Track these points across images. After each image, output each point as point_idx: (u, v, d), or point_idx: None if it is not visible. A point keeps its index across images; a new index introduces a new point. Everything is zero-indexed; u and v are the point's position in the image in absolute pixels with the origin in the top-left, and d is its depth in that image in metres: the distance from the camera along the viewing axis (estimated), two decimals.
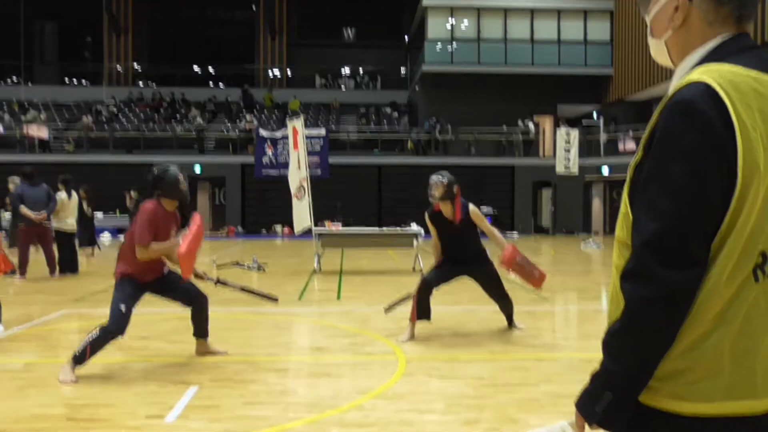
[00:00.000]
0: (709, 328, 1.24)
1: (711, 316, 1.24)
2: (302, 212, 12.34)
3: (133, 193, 17.93)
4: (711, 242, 1.23)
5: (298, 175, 12.48)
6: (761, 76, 1.26)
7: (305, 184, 12.27)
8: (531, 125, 26.97)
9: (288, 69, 35.73)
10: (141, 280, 5.14)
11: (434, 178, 6.18)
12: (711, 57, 1.32)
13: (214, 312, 7.49)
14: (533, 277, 6.21)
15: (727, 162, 1.21)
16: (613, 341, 1.32)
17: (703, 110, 1.21)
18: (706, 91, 1.22)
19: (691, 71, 1.30)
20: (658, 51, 1.46)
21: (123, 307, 4.90)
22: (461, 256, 6.45)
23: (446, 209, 6.28)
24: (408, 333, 6.25)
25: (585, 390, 1.36)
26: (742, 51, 1.31)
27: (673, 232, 1.21)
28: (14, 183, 12.34)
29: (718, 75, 1.24)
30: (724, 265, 1.22)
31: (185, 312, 5.64)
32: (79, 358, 4.77)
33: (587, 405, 1.33)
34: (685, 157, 1.22)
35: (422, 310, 6.24)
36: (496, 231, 6.49)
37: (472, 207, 6.34)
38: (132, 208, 17.88)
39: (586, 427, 1.37)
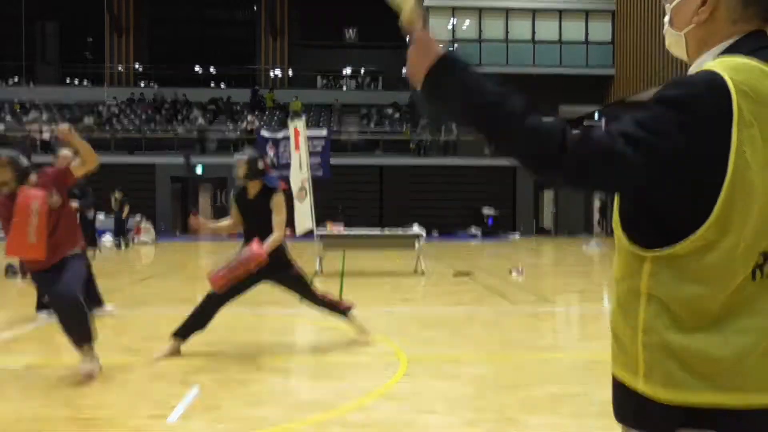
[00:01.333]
0: (709, 321, 1.23)
1: (716, 308, 1.22)
2: (304, 214, 12.34)
3: (117, 194, 18.05)
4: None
5: (299, 176, 12.48)
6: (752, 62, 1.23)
7: (306, 185, 12.28)
8: None
9: (289, 69, 35.76)
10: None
11: (236, 156, 5.77)
12: (726, 52, 1.29)
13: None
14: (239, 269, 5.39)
15: (710, 144, 1.17)
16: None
17: (701, 92, 1.19)
18: (713, 78, 1.19)
19: (704, 65, 1.28)
20: (676, 43, 1.42)
21: None
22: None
23: (253, 190, 5.73)
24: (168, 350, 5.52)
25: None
26: (759, 48, 1.27)
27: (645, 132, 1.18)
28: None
29: (728, 66, 1.21)
30: (728, 253, 1.19)
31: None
32: None
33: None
34: (674, 105, 1.19)
35: (198, 323, 5.60)
36: (277, 233, 5.58)
37: (278, 197, 5.68)
38: (117, 208, 17.98)
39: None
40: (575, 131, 1.21)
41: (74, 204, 7.18)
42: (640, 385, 1.28)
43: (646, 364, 1.27)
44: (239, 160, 5.67)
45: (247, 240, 5.60)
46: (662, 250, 1.23)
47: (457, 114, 1.34)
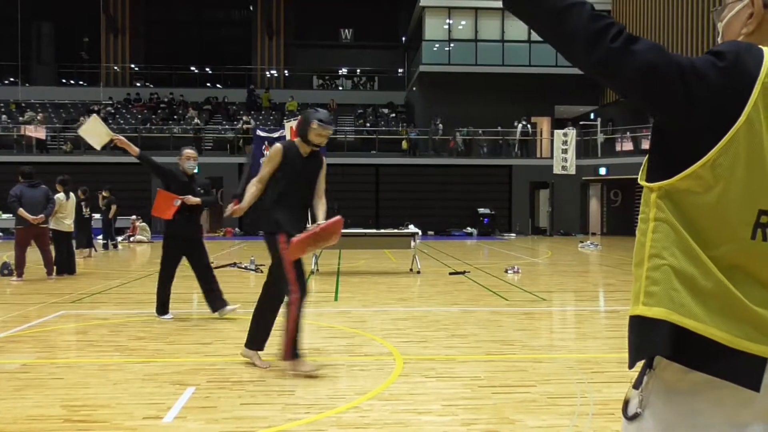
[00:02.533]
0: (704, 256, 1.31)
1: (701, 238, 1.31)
2: None
3: (105, 193, 17.85)
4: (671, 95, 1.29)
5: None
6: None
7: None
8: (527, 126, 26.99)
9: (285, 69, 35.74)
10: None
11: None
12: None
13: (213, 314, 7.50)
14: None
15: (733, 96, 1.27)
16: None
17: (742, 51, 1.29)
18: (755, 47, 1.31)
19: None
20: None
21: None
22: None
23: (304, 150, 5.26)
24: None
25: None
26: None
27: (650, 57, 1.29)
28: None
29: None
30: (720, 197, 1.29)
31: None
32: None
33: None
34: (717, 54, 1.30)
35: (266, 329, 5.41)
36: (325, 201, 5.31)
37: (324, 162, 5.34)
38: (103, 207, 17.74)
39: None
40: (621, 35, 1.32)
41: (194, 199, 7.24)
42: (639, 309, 1.36)
43: (648, 285, 1.35)
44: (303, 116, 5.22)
45: (288, 203, 5.09)
46: (665, 181, 1.33)
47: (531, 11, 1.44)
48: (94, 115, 7.96)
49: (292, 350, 5.00)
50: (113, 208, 17.75)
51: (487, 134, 27.43)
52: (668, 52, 1.31)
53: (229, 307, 7.36)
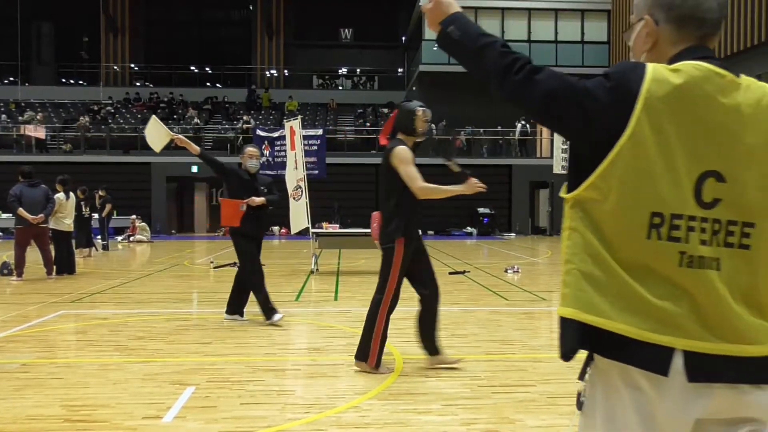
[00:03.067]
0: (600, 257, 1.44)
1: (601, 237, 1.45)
2: (299, 212, 12.34)
3: (101, 192, 17.73)
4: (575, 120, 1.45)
5: (294, 175, 12.48)
6: (703, 65, 1.45)
7: (302, 185, 12.27)
8: (526, 126, 26.97)
9: (285, 69, 35.74)
10: None
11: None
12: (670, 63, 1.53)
13: (212, 314, 7.50)
14: None
15: (618, 113, 1.41)
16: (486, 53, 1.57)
17: (626, 71, 1.45)
18: (640, 66, 1.46)
19: None
20: None
21: None
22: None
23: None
24: None
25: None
26: (700, 58, 1.49)
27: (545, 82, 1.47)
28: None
29: (663, 65, 1.47)
30: (616, 205, 1.43)
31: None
32: None
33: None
34: (606, 75, 1.46)
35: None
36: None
37: (397, 150, 4.95)
38: (100, 205, 17.64)
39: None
40: (526, 67, 1.50)
41: (259, 200, 7.07)
42: (558, 310, 1.51)
43: (562, 288, 1.49)
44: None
45: (414, 205, 5.01)
46: (574, 192, 1.48)
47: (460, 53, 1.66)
48: (153, 116, 7.74)
49: (378, 357, 5.02)
50: (107, 207, 17.60)
51: (488, 134, 27.41)
52: (567, 77, 1.48)
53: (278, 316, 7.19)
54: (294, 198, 12.48)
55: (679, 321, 1.40)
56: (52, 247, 11.43)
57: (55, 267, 11.48)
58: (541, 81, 1.47)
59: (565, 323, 1.49)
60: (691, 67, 1.44)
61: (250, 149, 7.25)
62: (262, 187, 7.21)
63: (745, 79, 1.48)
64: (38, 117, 27.82)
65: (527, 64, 1.49)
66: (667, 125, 1.41)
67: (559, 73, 1.48)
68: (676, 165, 1.41)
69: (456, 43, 1.63)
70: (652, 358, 1.40)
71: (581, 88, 1.44)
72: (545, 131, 28.10)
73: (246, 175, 7.14)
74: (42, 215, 10.70)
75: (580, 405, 1.54)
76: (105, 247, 18.05)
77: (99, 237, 18.32)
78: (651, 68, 1.43)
